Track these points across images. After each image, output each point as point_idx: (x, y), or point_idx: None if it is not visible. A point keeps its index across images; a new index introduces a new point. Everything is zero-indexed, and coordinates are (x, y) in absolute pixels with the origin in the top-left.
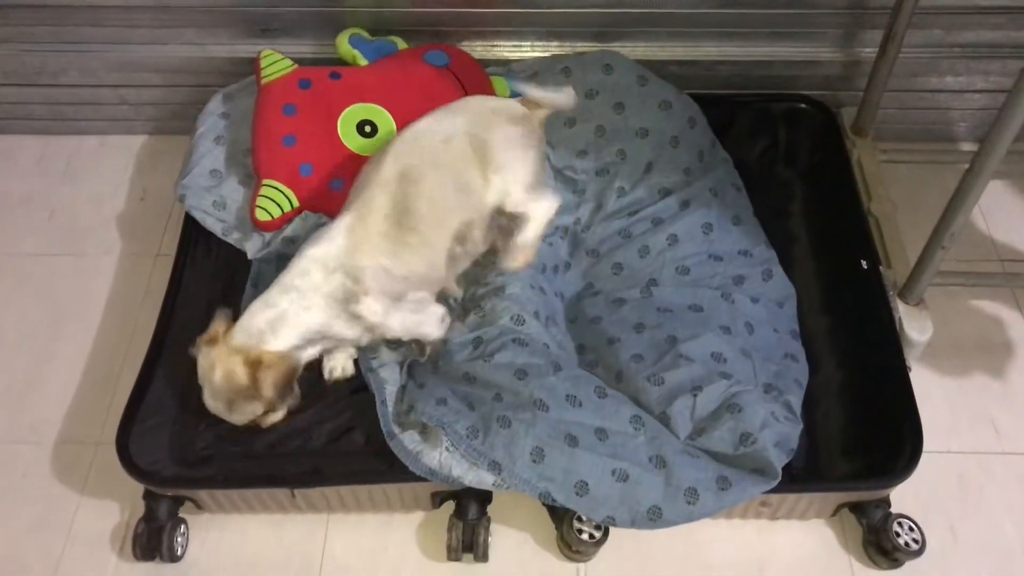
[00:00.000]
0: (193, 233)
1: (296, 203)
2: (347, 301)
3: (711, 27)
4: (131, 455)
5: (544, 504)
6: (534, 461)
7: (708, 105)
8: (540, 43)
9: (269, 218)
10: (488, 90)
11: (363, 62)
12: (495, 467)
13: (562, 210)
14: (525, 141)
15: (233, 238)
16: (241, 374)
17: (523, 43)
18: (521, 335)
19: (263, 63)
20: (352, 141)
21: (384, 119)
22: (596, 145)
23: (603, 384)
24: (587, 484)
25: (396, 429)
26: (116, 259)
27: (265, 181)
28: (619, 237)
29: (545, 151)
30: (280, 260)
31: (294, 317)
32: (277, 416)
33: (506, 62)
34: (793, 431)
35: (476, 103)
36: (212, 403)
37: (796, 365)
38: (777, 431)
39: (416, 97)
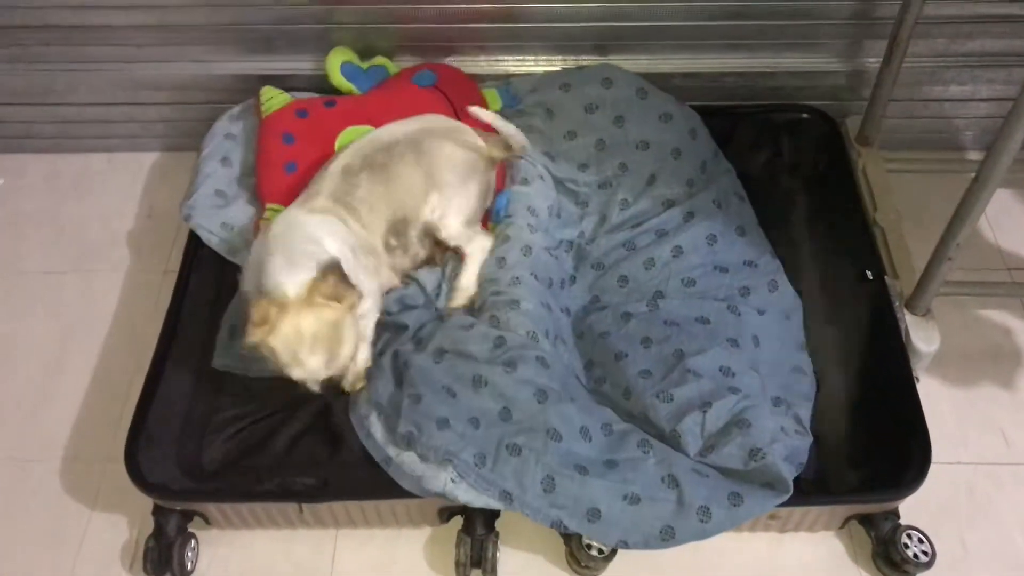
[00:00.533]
0: (196, 249)
1: None
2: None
3: (715, 39)
4: (140, 469)
5: None
6: (545, 491)
7: (710, 116)
8: (544, 57)
9: None
10: (479, 102)
11: (357, 92)
12: (505, 496)
13: (566, 223)
14: (469, 170)
15: (238, 258)
16: (324, 306)
17: (527, 57)
18: (544, 354)
19: (263, 99)
20: None
21: None
22: (597, 159)
23: (610, 420)
24: (599, 511)
25: (392, 452)
26: (124, 276)
27: (269, 205)
28: (623, 249)
29: (489, 187)
30: None
31: (302, 244)
32: (362, 358)
33: (510, 76)
34: (803, 444)
35: (436, 121)
36: (313, 361)
37: (804, 378)
38: (787, 445)
39: (407, 116)
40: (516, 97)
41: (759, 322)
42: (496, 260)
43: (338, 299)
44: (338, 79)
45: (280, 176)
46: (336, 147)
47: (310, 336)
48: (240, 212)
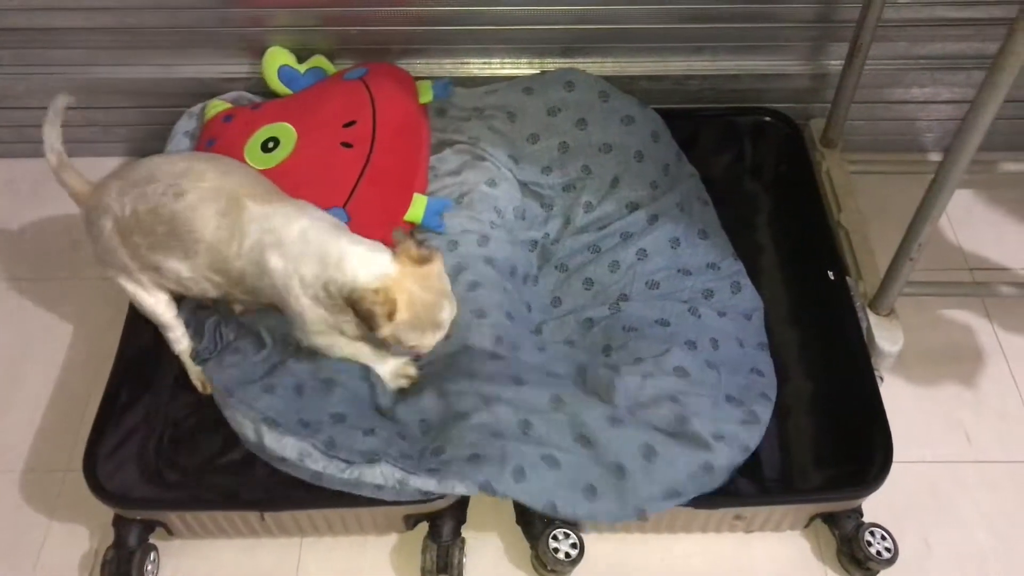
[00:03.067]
0: None
1: None
2: None
3: (679, 42)
4: (99, 478)
5: (518, 523)
6: (470, 461)
7: (673, 119)
8: (509, 60)
9: None
10: (411, 92)
11: None
12: (433, 473)
13: (531, 224)
14: None
15: None
16: (421, 266)
17: (492, 60)
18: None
19: (206, 110)
20: (255, 158)
21: (287, 132)
22: (560, 161)
23: (519, 372)
24: (523, 469)
25: (320, 466)
26: (84, 283)
27: None
28: (588, 252)
29: None
30: None
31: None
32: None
33: (476, 79)
34: (743, 431)
35: None
36: (446, 315)
37: (762, 379)
38: (718, 422)
39: (322, 109)
40: (449, 88)
41: (719, 324)
42: (447, 243)
43: (427, 258)
44: (275, 83)
45: None
46: (246, 146)
47: (434, 296)
48: None
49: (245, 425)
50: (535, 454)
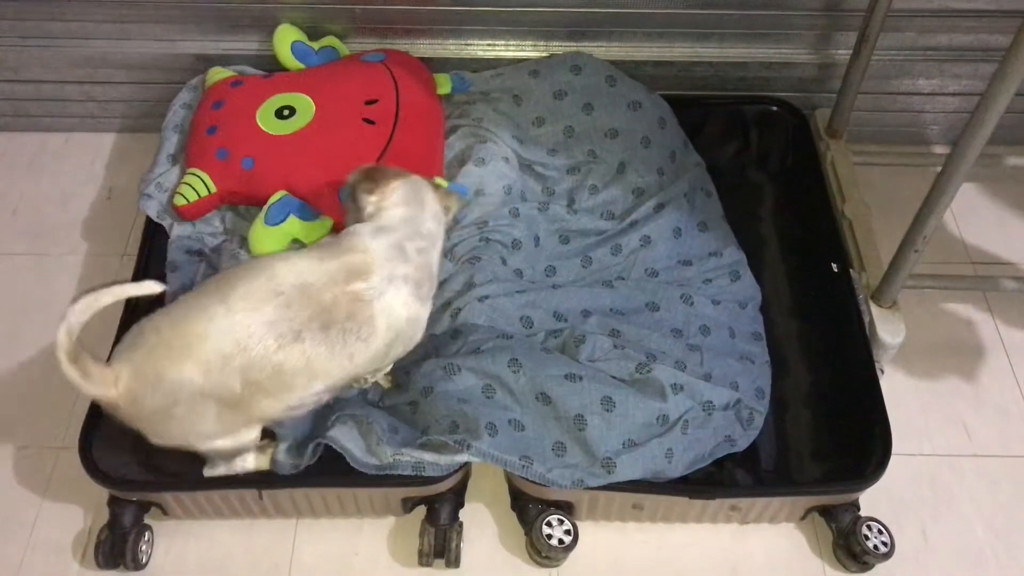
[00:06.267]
0: (154, 230)
1: (213, 188)
2: None
3: (686, 28)
4: (94, 458)
5: (512, 509)
6: (451, 431)
7: (680, 107)
8: (514, 42)
9: (185, 202)
10: (429, 83)
11: None
12: (424, 447)
13: (532, 199)
14: None
15: (166, 223)
16: None
17: (497, 42)
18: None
19: (208, 76)
20: (268, 124)
21: (304, 103)
22: (565, 145)
23: (480, 339)
24: (495, 425)
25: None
26: (81, 259)
27: (188, 169)
28: (593, 234)
29: None
30: (202, 255)
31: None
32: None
33: (480, 61)
34: (707, 389)
35: None
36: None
37: (753, 367)
38: (681, 379)
39: (343, 84)
40: (467, 82)
41: (711, 312)
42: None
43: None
44: (288, 59)
45: (202, 140)
46: (258, 111)
47: None
48: (176, 176)
49: None
50: (503, 417)
